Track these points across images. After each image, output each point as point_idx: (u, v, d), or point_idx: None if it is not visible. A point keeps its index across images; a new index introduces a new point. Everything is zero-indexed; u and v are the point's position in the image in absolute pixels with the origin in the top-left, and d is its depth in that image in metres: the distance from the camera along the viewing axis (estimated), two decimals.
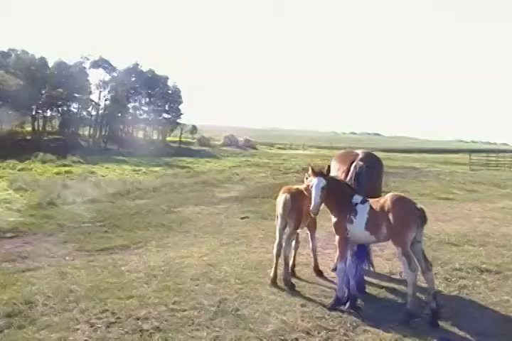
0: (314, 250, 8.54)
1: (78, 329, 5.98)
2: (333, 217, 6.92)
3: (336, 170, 7.83)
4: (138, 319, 6.23)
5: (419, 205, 6.46)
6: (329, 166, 6.93)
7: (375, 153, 8.79)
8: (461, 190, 23.07)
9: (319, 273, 8.41)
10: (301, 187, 7.77)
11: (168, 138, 73.50)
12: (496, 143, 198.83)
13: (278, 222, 7.84)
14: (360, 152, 8.05)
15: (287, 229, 7.77)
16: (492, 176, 31.82)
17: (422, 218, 6.35)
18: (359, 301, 6.98)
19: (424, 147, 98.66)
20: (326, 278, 8.22)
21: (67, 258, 9.57)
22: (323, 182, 6.61)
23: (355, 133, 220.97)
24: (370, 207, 6.60)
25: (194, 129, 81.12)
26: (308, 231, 8.56)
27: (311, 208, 6.58)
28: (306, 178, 7.31)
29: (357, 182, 7.36)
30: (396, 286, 7.84)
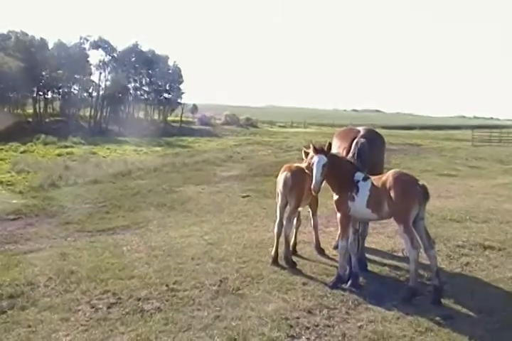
0: (316, 228, 8.51)
1: (79, 310, 5.99)
2: (334, 194, 6.84)
3: (337, 147, 7.73)
4: (139, 299, 6.23)
5: (421, 182, 6.38)
6: (330, 143, 6.80)
7: (377, 129, 8.69)
8: (464, 166, 23.00)
9: (321, 251, 8.39)
10: (302, 165, 7.68)
11: (169, 118, 73.18)
12: (499, 119, 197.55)
13: (279, 200, 7.78)
14: (361, 129, 7.94)
15: (288, 208, 7.70)
16: (495, 152, 31.70)
17: (424, 195, 6.27)
18: (360, 279, 6.96)
19: (426, 123, 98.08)
20: (327, 256, 8.20)
21: (68, 239, 9.58)
22: (324, 159, 6.51)
23: (356, 110, 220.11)
24: (372, 184, 6.52)
25: (195, 108, 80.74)
26: (309, 209, 8.51)
27: (312, 186, 6.50)
28: (306, 154, 7.22)
29: (359, 159, 7.25)
30: (398, 264, 7.81)
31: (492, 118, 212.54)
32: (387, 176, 6.40)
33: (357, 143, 7.43)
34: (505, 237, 9.43)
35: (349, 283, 6.76)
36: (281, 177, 7.63)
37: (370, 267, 7.60)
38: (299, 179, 7.45)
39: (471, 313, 5.99)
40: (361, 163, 7.15)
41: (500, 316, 5.89)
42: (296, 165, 7.82)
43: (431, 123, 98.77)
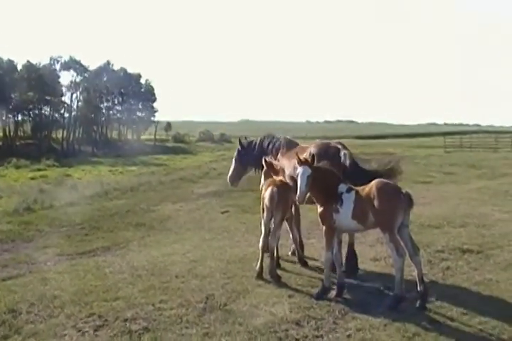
0: (295, 241, 8.55)
1: (65, 335, 5.87)
2: (319, 206, 6.89)
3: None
4: (126, 320, 6.15)
5: (404, 190, 6.49)
6: (314, 155, 6.87)
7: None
8: (438, 172, 23.39)
9: (304, 263, 8.41)
10: (281, 178, 7.80)
11: (143, 137, 73.02)
12: (468, 125, 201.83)
13: (264, 215, 7.77)
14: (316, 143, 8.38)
15: (273, 222, 7.72)
16: (467, 157, 32.32)
17: (408, 202, 6.39)
18: (345, 289, 7.00)
19: (399, 132, 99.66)
20: (310, 268, 8.23)
21: (48, 263, 9.41)
22: (308, 170, 6.57)
23: (329, 122, 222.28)
24: (356, 195, 6.57)
25: (168, 126, 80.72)
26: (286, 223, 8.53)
27: (297, 197, 6.55)
28: (270, 166, 7.54)
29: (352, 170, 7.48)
30: (381, 272, 7.89)
31: (462, 124, 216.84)
32: (371, 186, 6.49)
33: (344, 155, 7.71)
34: (482, 240, 9.62)
35: (334, 293, 6.80)
36: (268, 192, 7.62)
37: (354, 276, 7.66)
38: (284, 193, 7.50)
39: (455, 316, 6.08)
40: (352, 174, 7.37)
41: (483, 318, 6.00)
42: (279, 179, 7.86)
43: (403, 132, 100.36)
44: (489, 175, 22.09)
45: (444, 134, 63.13)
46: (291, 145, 9.16)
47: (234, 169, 9.98)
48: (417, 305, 6.33)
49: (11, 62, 59.33)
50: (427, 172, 23.20)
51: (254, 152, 9.52)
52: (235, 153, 10.03)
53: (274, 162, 8.20)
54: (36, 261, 9.65)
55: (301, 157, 6.79)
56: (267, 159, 8.20)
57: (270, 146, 9.31)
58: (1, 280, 8.27)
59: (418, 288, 6.42)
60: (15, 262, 9.57)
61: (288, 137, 9.68)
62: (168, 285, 7.44)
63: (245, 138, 10.25)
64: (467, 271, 7.83)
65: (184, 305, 6.59)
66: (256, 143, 9.70)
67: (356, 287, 7.22)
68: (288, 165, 8.28)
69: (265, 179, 8.13)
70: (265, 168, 8.15)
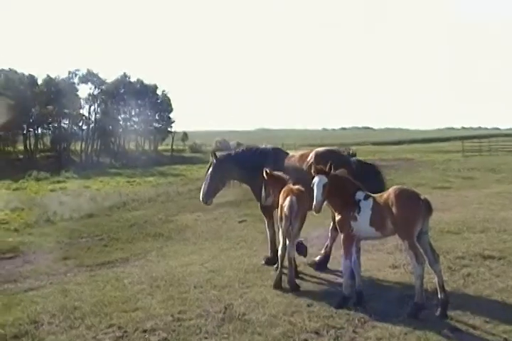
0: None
1: None
2: (336, 214, 6.86)
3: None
4: (145, 331, 6.16)
5: (423, 196, 6.43)
6: (331, 164, 6.83)
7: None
8: (457, 177, 23.12)
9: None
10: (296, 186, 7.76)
11: (160, 147, 73.50)
12: (487, 128, 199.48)
13: (283, 224, 7.72)
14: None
15: (291, 231, 7.67)
16: (486, 161, 31.92)
17: (426, 209, 6.33)
18: (365, 297, 6.93)
19: (416, 137, 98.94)
20: (329, 277, 8.17)
21: (68, 274, 9.54)
22: (324, 179, 6.57)
23: (345, 129, 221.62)
24: (374, 202, 6.53)
25: (185, 136, 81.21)
26: None
27: (313, 206, 6.54)
28: (270, 176, 7.80)
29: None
30: (400, 279, 7.80)
31: (480, 127, 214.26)
32: (389, 193, 6.44)
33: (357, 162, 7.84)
34: (504, 246, 9.45)
35: (354, 301, 6.74)
36: (287, 201, 7.55)
37: (373, 284, 7.59)
38: (303, 202, 7.48)
39: (478, 325, 5.97)
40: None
41: (507, 326, 5.87)
42: (296, 187, 7.80)
43: (420, 137, 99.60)
44: (509, 179, 21.73)
45: (462, 138, 62.52)
46: (281, 154, 9.21)
47: (210, 184, 9.34)
48: (438, 313, 6.24)
49: (31, 76, 60.48)
50: (446, 178, 22.95)
51: (238, 164, 9.23)
52: (211, 169, 9.37)
53: (275, 173, 8.13)
54: (57, 272, 9.79)
55: (318, 166, 6.77)
56: (267, 171, 8.04)
57: (258, 157, 9.16)
58: (23, 292, 8.43)
59: (439, 296, 6.33)
60: (36, 273, 9.72)
61: (272, 146, 9.64)
62: (187, 295, 7.44)
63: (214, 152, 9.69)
64: (489, 278, 7.67)
65: (203, 315, 6.58)
66: (237, 154, 9.46)
67: (376, 295, 7.15)
68: (291, 174, 8.26)
69: (266, 190, 8.08)
70: (266, 179, 8.03)
